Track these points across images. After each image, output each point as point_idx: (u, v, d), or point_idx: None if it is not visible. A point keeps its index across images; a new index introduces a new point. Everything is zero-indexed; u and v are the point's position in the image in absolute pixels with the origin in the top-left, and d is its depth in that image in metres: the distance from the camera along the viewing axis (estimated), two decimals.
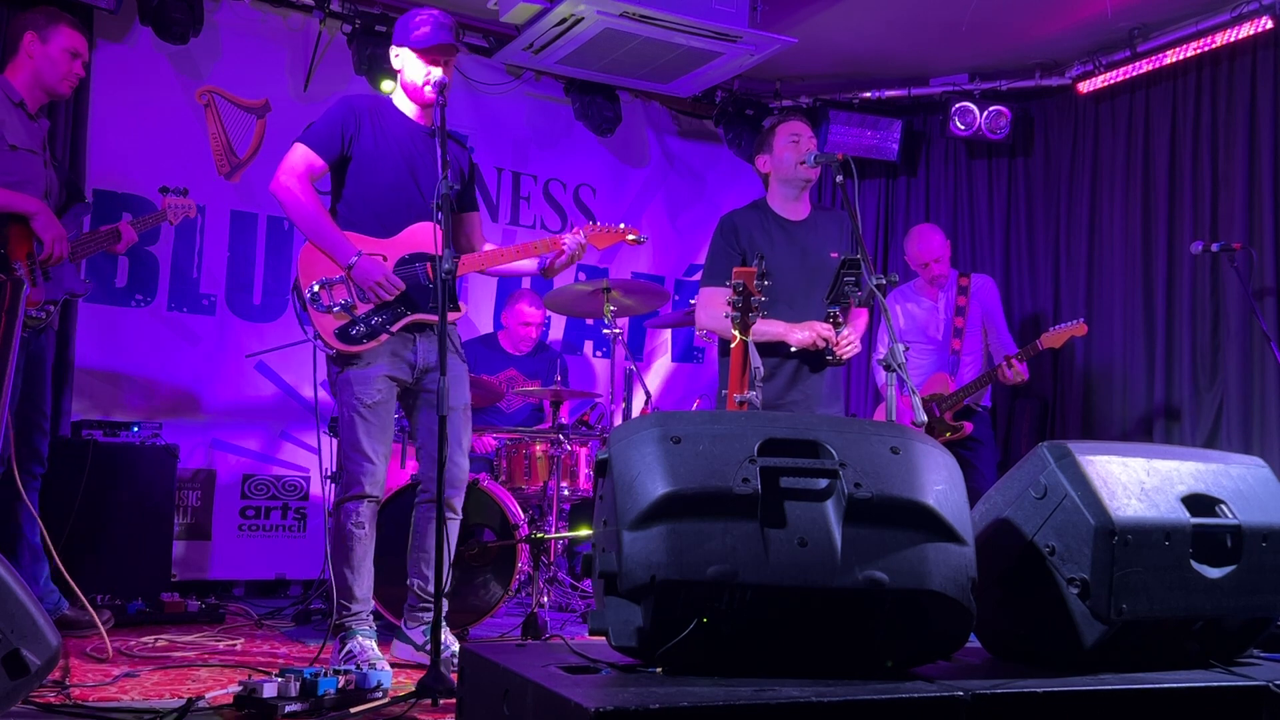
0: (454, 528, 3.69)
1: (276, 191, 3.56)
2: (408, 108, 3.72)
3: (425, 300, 3.60)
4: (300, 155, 3.56)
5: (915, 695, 1.99)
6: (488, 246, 3.83)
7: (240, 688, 2.84)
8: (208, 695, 2.99)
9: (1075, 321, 5.30)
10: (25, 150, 3.82)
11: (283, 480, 5.72)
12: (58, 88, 3.99)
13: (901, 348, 3.33)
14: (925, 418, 3.32)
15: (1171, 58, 5.77)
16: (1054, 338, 5.25)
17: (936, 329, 5.57)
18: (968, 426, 5.34)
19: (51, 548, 3.61)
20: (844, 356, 3.91)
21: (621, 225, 3.99)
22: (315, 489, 5.70)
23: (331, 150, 3.58)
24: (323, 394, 3.75)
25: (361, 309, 3.53)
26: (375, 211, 3.61)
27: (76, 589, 3.56)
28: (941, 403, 5.33)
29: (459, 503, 3.69)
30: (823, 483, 2.17)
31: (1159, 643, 2.41)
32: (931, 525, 2.16)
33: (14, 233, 3.68)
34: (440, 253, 3.16)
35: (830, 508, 2.15)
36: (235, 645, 4.02)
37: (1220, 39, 5.53)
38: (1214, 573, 2.41)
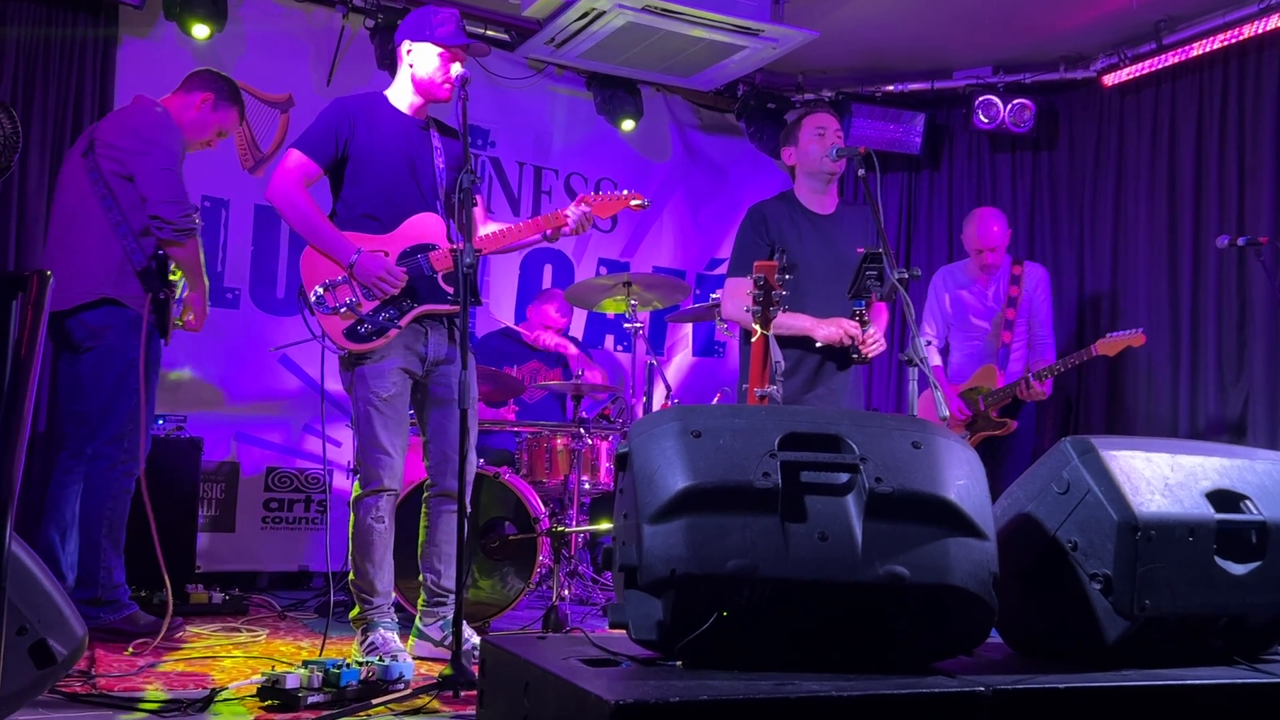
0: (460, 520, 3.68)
1: (272, 198, 3.58)
2: (403, 103, 3.71)
3: (430, 291, 3.60)
4: (294, 161, 3.57)
5: (936, 690, 1.98)
6: (492, 227, 3.83)
7: (263, 679, 2.86)
8: (231, 686, 3.01)
9: (1134, 331, 5.17)
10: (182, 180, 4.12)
11: (306, 473, 5.76)
12: (190, 138, 4.22)
13: (923, 342, 3.32)
14: (948, 413, 3.31)
15: (1198, 50, 5.71)
16: (1110, 345, 5.12)
17: (984, 316, 5.50)
18: (1013, 424, 5.29)
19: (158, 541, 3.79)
20: (869, 355, 3.90)
21: (625, 192, 3.97)
22: (338, 482, 5.72)
23: (325, 154, 3.59)
24: (336, 387, 3.77)
25: (366, 307, 3.53)
26: (375, 209, 3.61)
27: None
28: (987, 397, 5.27)
29: (466, 497, 3.70)
30: (843, 477, 2.17)
31: (1182, 639, 2.40)
32: (953, 520, 2.16)
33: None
34: (459, 245, 3.17)
35: (851, 502, 2.14)
36: (259, 636, 4.04)
37: (1248, 31, 5.48)
38: (1238, 569, 2.39)
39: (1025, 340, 5.47)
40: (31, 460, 4.79)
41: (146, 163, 3.92)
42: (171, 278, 4.08)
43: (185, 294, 4.12)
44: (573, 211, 3.77)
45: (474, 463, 3.72)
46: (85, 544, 3.87)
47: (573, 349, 5.95)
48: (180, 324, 4.15)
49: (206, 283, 4.15)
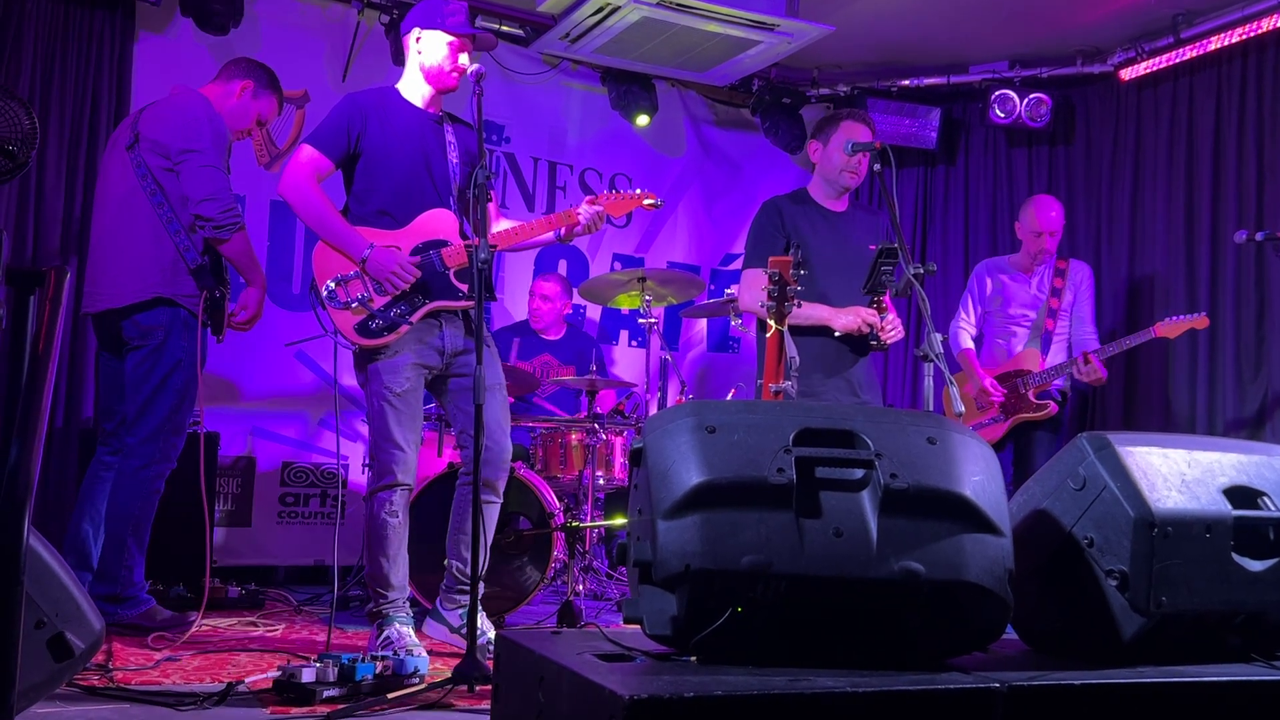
0: (495, 510, 3.69)
1: (284, 193, 3.59)
2: (416, 96, 3.71)
3: (443, 288, 3.61)
4: (307, 155, 3.58)
5: (951, 686, 1.98)
6: (504, 224, 3.83)
7: (279, 673, 2.87)
8: (247, 680, 3.03)
9: (1197, 315, 5.10)
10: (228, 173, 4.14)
11: (321, 468, 5.78)
12: (233, 132, 4.27)
13: (939, 337, 3.31)
14: (963, 408, 3.31)
15: (1216, 44, 5.68)
16: (1171, 328, 5.06)
17: (1029, 305, 5.47)
18: (1053, 407, 5.23)
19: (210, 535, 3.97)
20: (888, 341, 3.91)
21: (637, 191, 3.97)
22: (354, 476, 5.74)
23: (338, 149, 3.59)
24: (350, 380, 3.78)
25: (378, 302, 3.54)
26: (387, 204, 3.62)
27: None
28: (1027, 380, 5.24)
29: (502, 485, 3.69)
30: (859, 473, 2.16)
31: (1199, 636, 2.38)
32: (968, 516, 2.15)
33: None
34: (474, 241, 3.17)
35: (866, 498, 2.14)
36: (275, 631, 4.06)
37: (1266, 24, 5.44)
38: (1256, 566, 2.37)
39: (1066, 333, 5.44)
40: (50, 455, 4.84)
41: (189, 159, 3.91)
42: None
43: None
44: (585, 210, 3.77)
45: (508, 449, 3.70)
46: (110, 540, 3.90)
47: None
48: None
49: (263, 276, 4.13)
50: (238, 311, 4.11)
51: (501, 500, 3.73)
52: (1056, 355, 5.37)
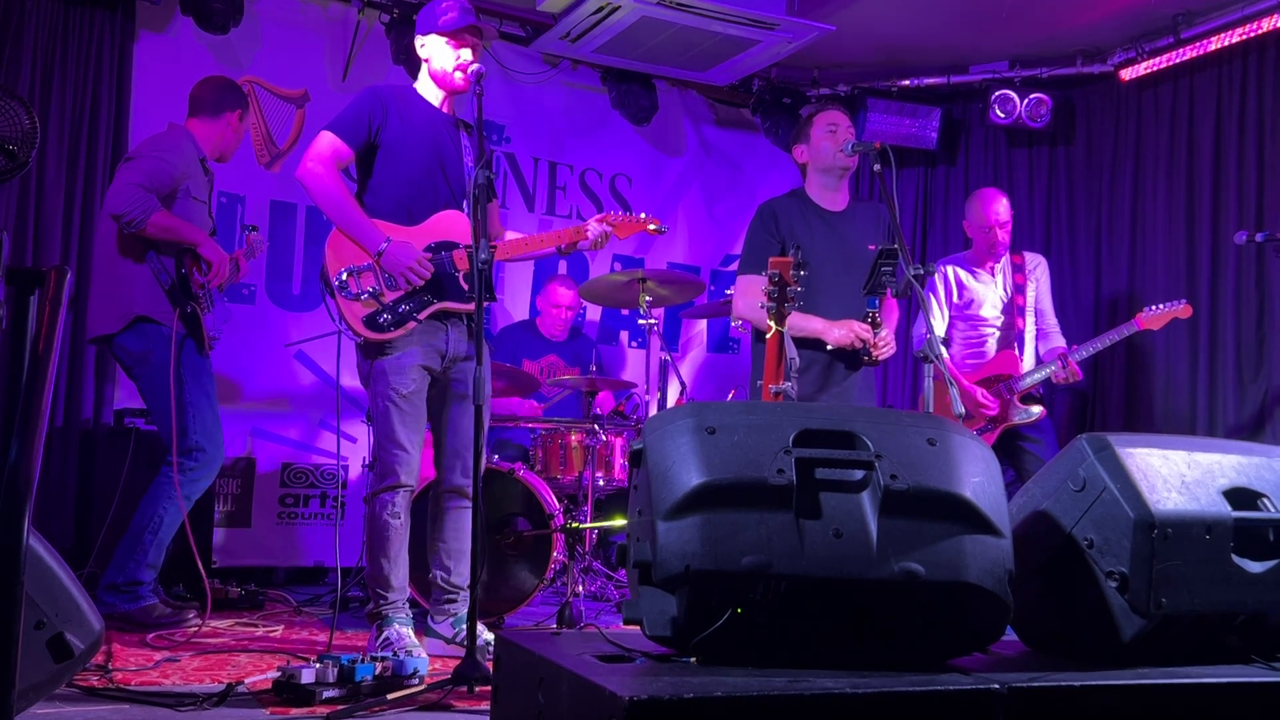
0: (467, 516, 3.66)
1: (303, 178, 3.58)
2: (433, 96, 3.73)
3: (452, 289, 3.61)
4: (327, 142, 3.58)
5: (951, 688, 1.98)
6: (509, 234, 3.84)
7: (279, 673, 2.87)
8: (247, 680, 3.03)
9: (1179, 303, 5.01)
10: (201, 202, 4.28)
11: (321, 469, 5.77)
12: (229, 154, 4.53)
13: (939, 338, 3.30)
14: (964, 410, 3.30)
15: (1216, 44, 5.68)
16: (1154, 319, 4.96)
17: (995, 305, 5.28)
18: (1042, 411, 5.07)
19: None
20: (880, 358, 3.89)
21: (643, 215, 4.02)
22: (353, 477, 5.74)
23: (358, 138, 3.59)
24: (351, 381, 3.78)
25: (389, 297, 3.53)
26: (401, 200, 3.62)
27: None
28: (1011, 385, 5.10)
29: (469, 490, 3.67)
30: (859, 474, 2.16)
31: (1199, 638, 2.38)
32: (968, 517, 2.15)
33: (187, 261, 4.15)
34: (475, 241, 3.17)
35: (866, 499, 2.14)
36: (274, 631, 4.06)
37: (1266, 24, 5.43)
38: (1256, 567, 2.37)
39: (1035, 329, 5.34)
40: (49, 455, 4.85)
41: (118, 175, 4.09)
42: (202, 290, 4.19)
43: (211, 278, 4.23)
44: (594, 227, 3.82)
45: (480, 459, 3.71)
46: (130, 532, 4.01)
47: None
48: (222, 288, 4.29)
49: (203, 234, 4.19)
50: (210, 277, 4.19)
51: (471, 505, 3.69)
52: (1031, 354, 5.26)
